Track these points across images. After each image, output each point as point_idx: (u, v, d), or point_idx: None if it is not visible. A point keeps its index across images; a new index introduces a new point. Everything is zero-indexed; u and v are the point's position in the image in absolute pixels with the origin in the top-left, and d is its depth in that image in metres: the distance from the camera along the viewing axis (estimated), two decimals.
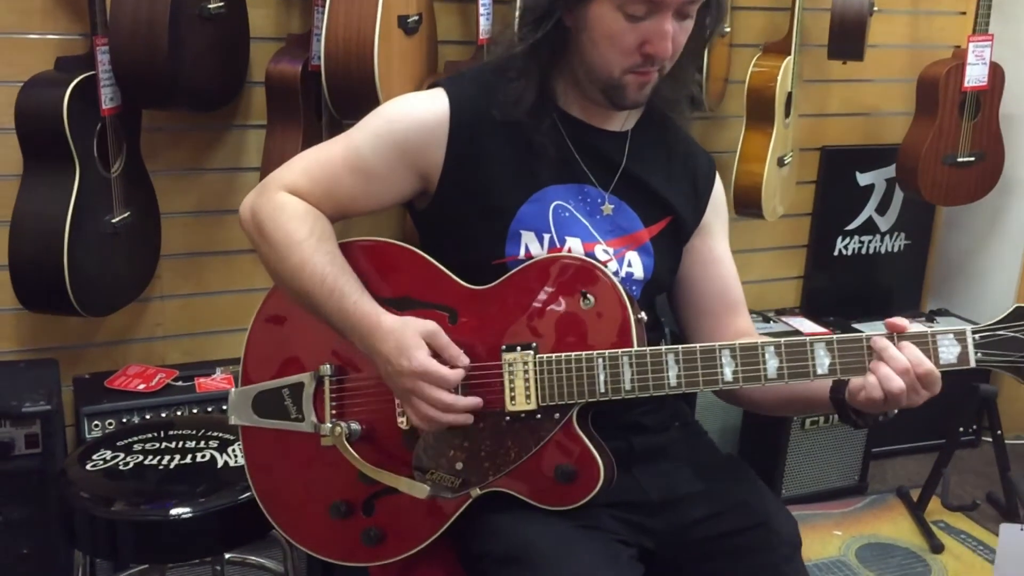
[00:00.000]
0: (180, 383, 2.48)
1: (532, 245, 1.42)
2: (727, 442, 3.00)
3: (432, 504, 1.38)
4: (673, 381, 1.30)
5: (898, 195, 3.49)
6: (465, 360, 1.34)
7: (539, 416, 1.35)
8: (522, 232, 1.42)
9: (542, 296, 1.38)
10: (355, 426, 1.42)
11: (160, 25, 2.14)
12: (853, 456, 3.08)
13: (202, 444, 1.85)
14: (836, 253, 3.50)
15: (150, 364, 2.59)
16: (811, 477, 3.01)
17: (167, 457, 1.81)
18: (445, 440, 1.38)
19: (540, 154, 1.42)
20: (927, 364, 1.23)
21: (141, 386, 2.44)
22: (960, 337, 1.25)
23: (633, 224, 1.48)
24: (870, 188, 3.49)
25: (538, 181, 1.43)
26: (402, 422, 1.40)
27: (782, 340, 1.28)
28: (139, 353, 2.65)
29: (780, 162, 2.99)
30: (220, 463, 1.80)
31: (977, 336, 1.25)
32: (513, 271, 1.40)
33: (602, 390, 1.32)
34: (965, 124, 3.16)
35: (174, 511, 1.66)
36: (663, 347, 1.31)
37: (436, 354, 1.33)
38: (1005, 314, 1.27)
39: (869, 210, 3.51)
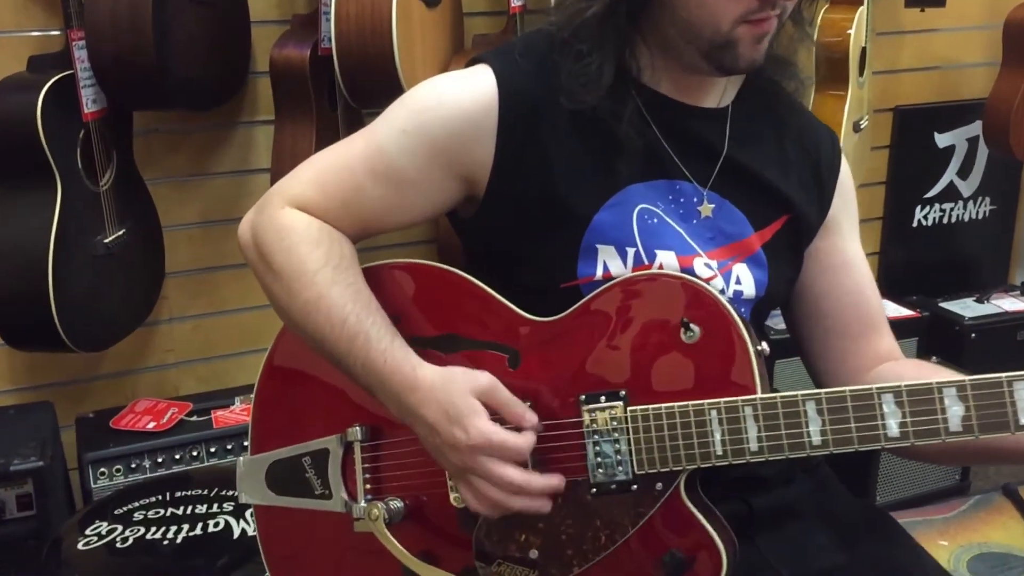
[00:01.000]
0: (195, 418, 2.20)
1: (612, 263, 1.10)
2: None
3: None
4: (817, 439, 0.98)
5: (981, 156, 3.16)
6: (534, 419, 1.03)
7: (635, 487, 1.03)
8: (599, 246, 1.10)
9: (629, 329, 1.05)
10: (396, 504, 1.11)
11: (143, 10, 1.85)
12: None
13: (215, 508, 1.56)
14: (915, 224, 3.16)
15: (162, 395, 2.34)
16: (908, 479, 2.69)
17: (173, 528, 1.51)
18: (514, 520, 1.06)
19: (619, 146, 1.10)
20: None
21: (151, 424, 2.16)
22: None
23: (740, 228, 1.16)
24: (950, 150, 3.15)
25: (617, 180, 1.11)
26: (456, 499, 1.09)
27: (967, 379, 0.95)
28: (149, 384, 2.39)
29: (856, 127, 2.67)
30: (236, 532, 1.50)
31: None
32: (589, 297, 1.08)
33: (719, 452, 1.00)
34: None
35: None
36: (799, 393, 0.99)
37: (494, 415, 1.02)
38: None
39: (950, 174, 3.17)
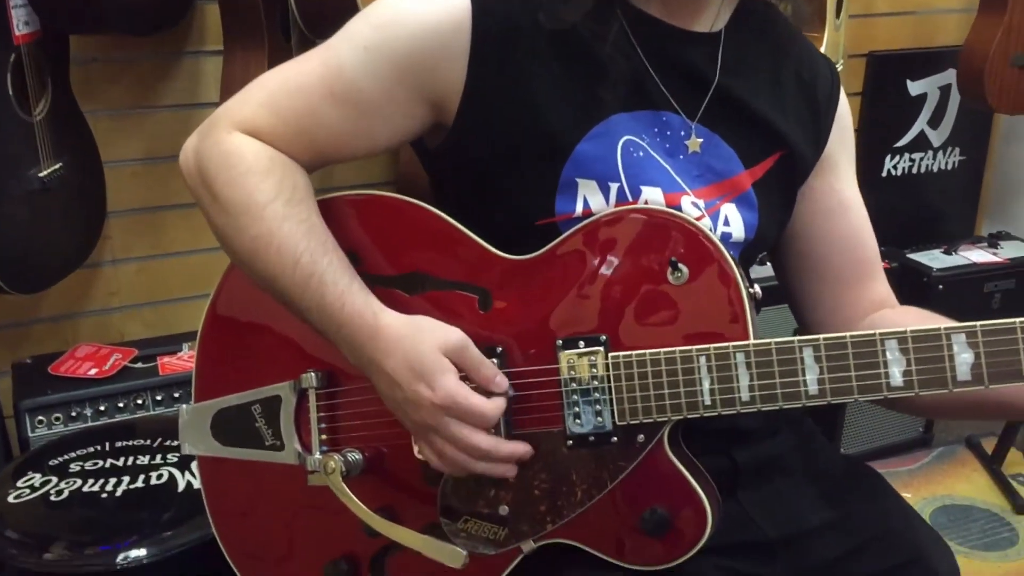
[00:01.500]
0: (140, 364, 2.08)
1: (593, 199, 1.01)
2: None
3: (469, 561, 0.98)
4: (813, 388, 0.90)
5: (952, 105, 3.10)
6: (504, 384, 0.95)
7: (615, 440, 0.96)
8: (579, 181, 1.01)
9: (611, 268, 0.97)
10: (354, 456, 1.02)
11: None
12: None
13: (158, 459, 1.46)
14: (885, 174, 3.10)
15: (105, 340, 2.20)
16: (873, 431, 2.67)
17: (113, 480, 1.41)
18: (484, 475, 0.98)
19: (603, 71, 1.00)
20: None
21: (92, 371, 2.04)
22: None
23: (730, 165, 1.07)
24: (922, 98, 3.08)
25: (601, 109, 1.01)
26: (420, 450, 1.00)
27: (978, 325, 0.87)
28: (91, 329, 2.26)
29: None
30: (181, 485, 1.41)
31: None
32: (569, 233, 0.99)
33: (707, 402, 0.92)
34: None
35: (123, 556, 1.27)
36: (796, 339, 0.91)
37: (464, 376, 0.93)
38: None
39: (921, 123, 3.10)
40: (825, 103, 1.13)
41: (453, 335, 0.94)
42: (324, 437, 1.05)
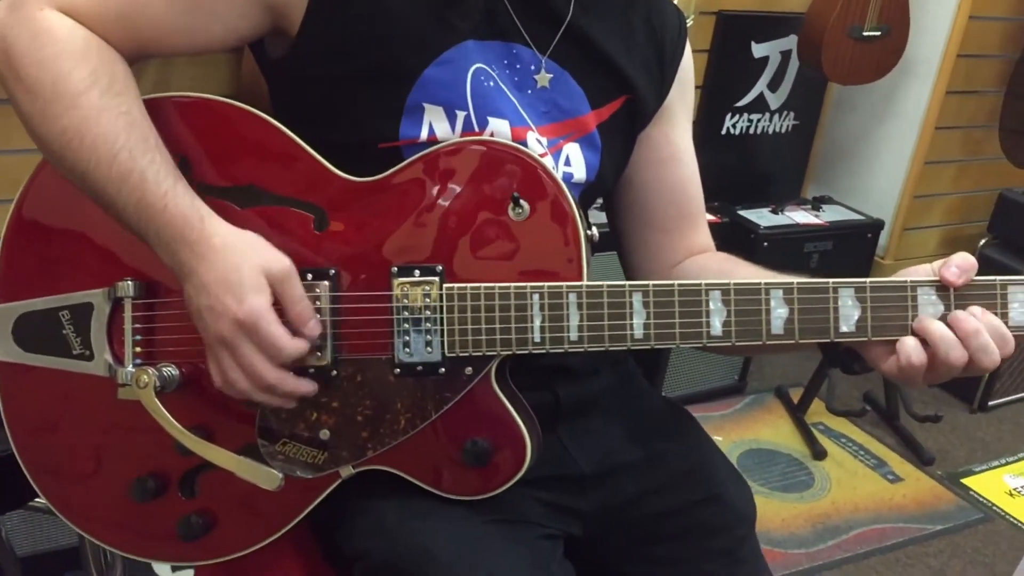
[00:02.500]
0: None
1: (439, 125, 0.99)
2: None
3: (285, 484, 0.96)
4: (639, 332, 0.92)
5: (791, 71, 3.20)
6: (316, 331, 0.92)
7: (443, 371, 0.95)
8: (426, 106, 0.98)
9: (453, 198, 0.95)
10: (170, 371, 0.97)
11: None
12: None
13: None
14: (724, 132, 3.19)
15: None
16: (692, 377, 2.79)
17: None
18: (306, 398, 0.96)
19: None
20: (1002, 328, 0.88)
21: None
22: None
23: (577, 104, 1.06)
24: (764, 61, 3.17)
25: (452, 35, 0.98)
26: None
27: (795, 281, 0.91)
28: None
29: None
30: None
31: None
32: (413, 158, 0.97)
33: (537, 339, 0.93)
34: None
35: None
36: (627, 284, 0.93)
37: (278, 307, 0.90)
38: None
39: (761, 85, 3.20)
40: (671, 53, 1.14)
41: (281, 262, 0.90)
42: (138, 350, 0.99)
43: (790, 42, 3.06)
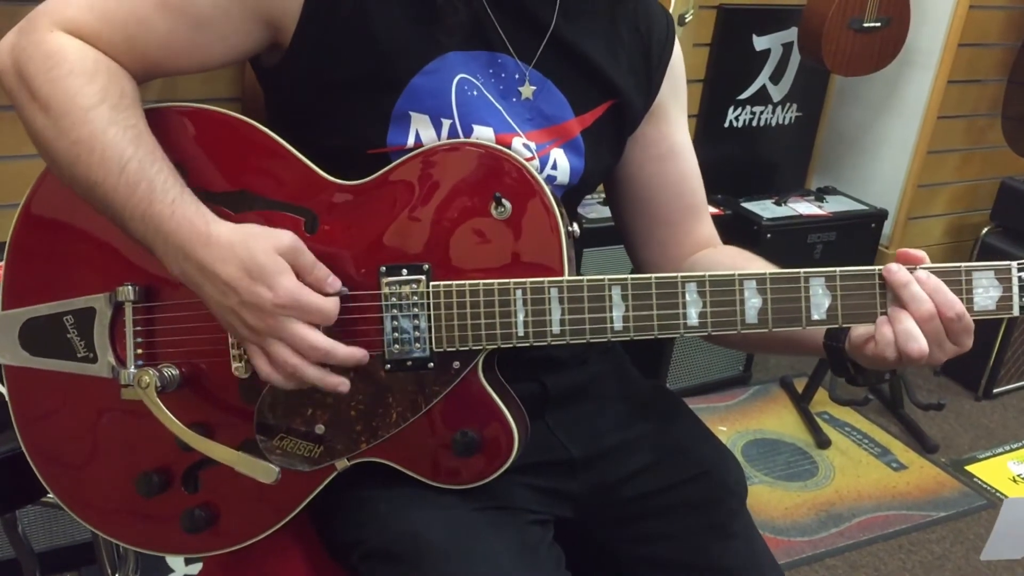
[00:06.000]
0: None
1: (425, 132, 1.02)
2: None
3: (283, 477, 1.00)
4: (619, 324, 0.96)
5: (793, 63, 3.22)
6: (338, 284, 0.96)
7: (432, 365, 0.99)
8: (412, 114, 1.02)
9: (437, 199, 0.99)
10: (170, 371, 1.02)
11: None
12: None
13: None
14: (727, 124, 3.21)
15: None
16: (696, 368, 2.82)
17: None
18: (300, 394, 1.00)
19: (443, 9, 1.00)
20: (958, 307, 0.92)
21: None
22: (1003, 276, 0.94)
23: (560, 111, 1.10)
24: (766, 53, 3.19)
25: (438, 45, 1.02)
26: (239, 368, 1.01)
27: (767, 273, 0.94)
28: None
29: (680, 20, 2.65)
30: None
31: None
32: (398, 161, 1.00)
33: (520, 333, 0.97)
34: None
35: None
36: (605, 278, 0.96)
37: (299, 277, 0.94)
38: None
39: (763, 78, 3.22)
40: (658, 53, 1.17)
41: (286, 237, 0.94)
42: (140, 351, 1.03)
43: (791, 34, 3.08)
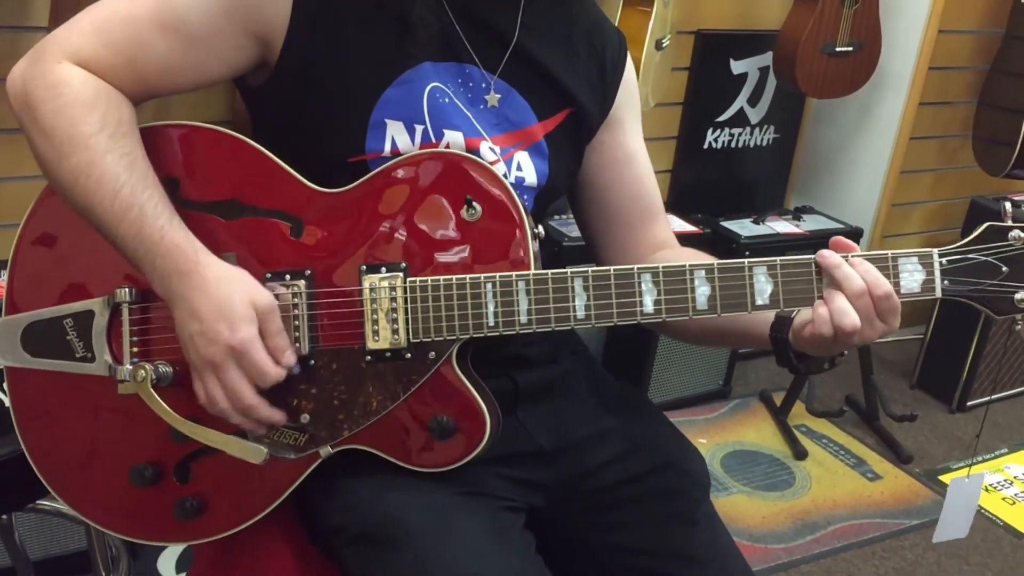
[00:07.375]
0: None
1: (400, 138, 1.10)
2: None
3: (268, 466, 1.07)
4: (581, 312, 1.04)
5: (770, 86, 3.32)
6: (293, 360, 1.04)
7: (409, 356, 1.06)
8: (388, 122, 1.10)
9: (413, 203, 1.07)
10: (165, 368, 1.09)
11: None
12: (719, 358, 2.95)
13: None
14: (706, 146, 3.30)
15: None
16: (677, 383, 2.88)
17: None
18: (285, 386, 1.06)
19: (414, 24, 1.09)
20: (886, 286, 1.00)
21: None
22: (926, 261, 1.03)
23: (524, 117, 1.18)
24: (743, 77, 3.29)
25: (410, 58, 1.11)
26: None
27: (715, 263, 1.03)
28: None
29: (658, 45, 2.72)
30: None
31: (944, 261, 1.04)
32: (377, 170, 1.08)
33: (491, 323, 1.04)
34: (846, 11, 2.97)
35: None
36: (568, 270, 1.04)
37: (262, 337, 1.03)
38: (975, 234, 1.07)
39: (741, 101, 3.32)
40: (612, 68, 1.26)
41: (266, 297, 1.02)
42: (136, 350, 1.10)
43: (768, 58, 3.16)
